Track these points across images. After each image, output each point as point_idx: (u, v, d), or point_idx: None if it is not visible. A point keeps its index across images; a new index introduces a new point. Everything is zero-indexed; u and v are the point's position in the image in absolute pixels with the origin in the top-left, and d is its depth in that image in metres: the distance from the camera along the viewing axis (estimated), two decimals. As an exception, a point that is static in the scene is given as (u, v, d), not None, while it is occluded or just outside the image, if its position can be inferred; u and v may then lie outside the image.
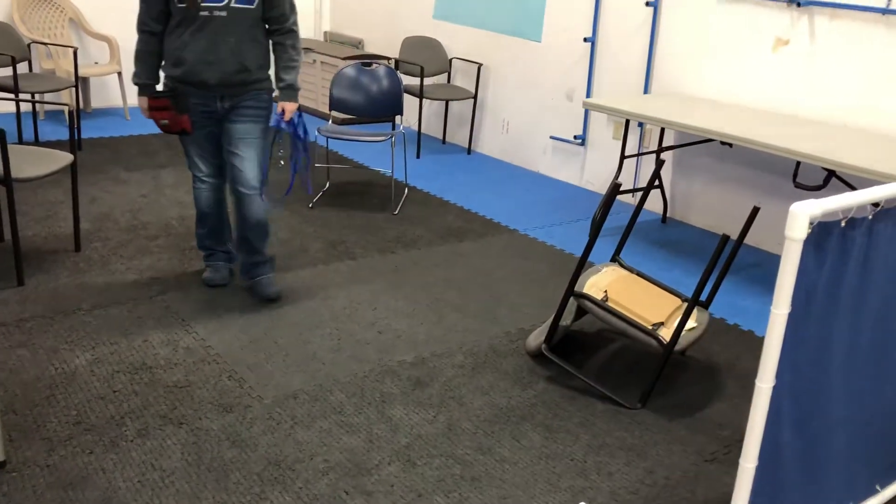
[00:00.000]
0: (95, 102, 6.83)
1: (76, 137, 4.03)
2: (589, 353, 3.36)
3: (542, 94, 5.93)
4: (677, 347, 2.93)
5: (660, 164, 3.23)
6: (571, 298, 3.10)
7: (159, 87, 3.47)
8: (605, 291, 3.06)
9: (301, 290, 3.77)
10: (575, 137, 5.70)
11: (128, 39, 6.72)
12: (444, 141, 6.84)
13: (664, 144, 4.97)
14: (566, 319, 3.16)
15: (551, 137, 5.91)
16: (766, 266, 4.47)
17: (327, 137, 4.94)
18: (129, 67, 6.82)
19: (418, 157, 6.26)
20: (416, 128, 6.90)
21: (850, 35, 4.16)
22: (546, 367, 3.21)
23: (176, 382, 2.94)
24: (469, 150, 6.57)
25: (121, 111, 6.81)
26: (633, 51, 5.21)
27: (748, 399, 2.96)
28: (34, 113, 5.81)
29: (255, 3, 3.29)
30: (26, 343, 3.11)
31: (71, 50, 6.24)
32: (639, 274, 3.29)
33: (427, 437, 2.72)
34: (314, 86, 7.37)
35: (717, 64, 4.77)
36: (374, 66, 5.20)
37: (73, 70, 6.04)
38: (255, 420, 2.74)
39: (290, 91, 3.50)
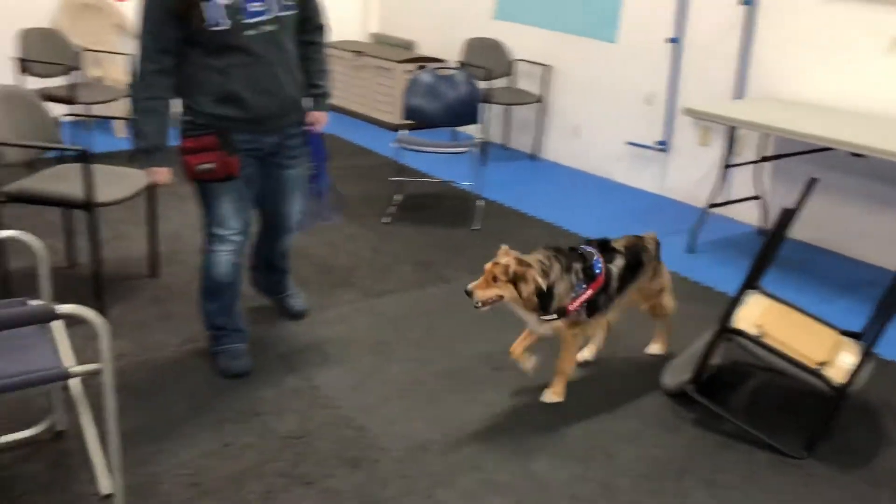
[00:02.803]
0: (142, 110, 6.55)
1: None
2: (733, 392, 3.06)
3: (616, 97, 5.62)
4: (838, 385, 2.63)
5: (812, 182, 2.91)
6: (717, 334, 2.80)
7: (179, 126, 2.77)
8: (760, 326, 2.76)
9: (399, 318, 3.49)
10: (657, 143, 5.39)
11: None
12: (505, 146, 6.55)
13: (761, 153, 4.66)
14: (717, 357, 2.86)
15: (628, 143, 5.60)
16: (884, 284, 4.15)
17: (403, 149, 4.65)
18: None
19: (484, 165, 5.96)
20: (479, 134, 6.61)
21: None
22: (689, 407, 2.91)
23: (291, 433, 2.66)
24: (534, 157, 6.27)
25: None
26: (724, 52, 4.89)
27: (926, 446, 2.66)
28: (84, 123, 5.54)
29: (296, 4, 2.72)
30: (120, 386, 2.83)
31: (119, 57, 5.97)
32: (786, 304, 2.99)
33: (584, 498, 2.42)
34: (365, 90, 7.08)
35: (823, 66, 4.45)
36: (451, 71, 4.91)
37: (120, 78, 5.77)
38: (387, 479, 2.46)
39: (326, 99, 3.01)
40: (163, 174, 2.77)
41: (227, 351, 2.97)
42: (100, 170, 3.48)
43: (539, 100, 6.07)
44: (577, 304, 2.72)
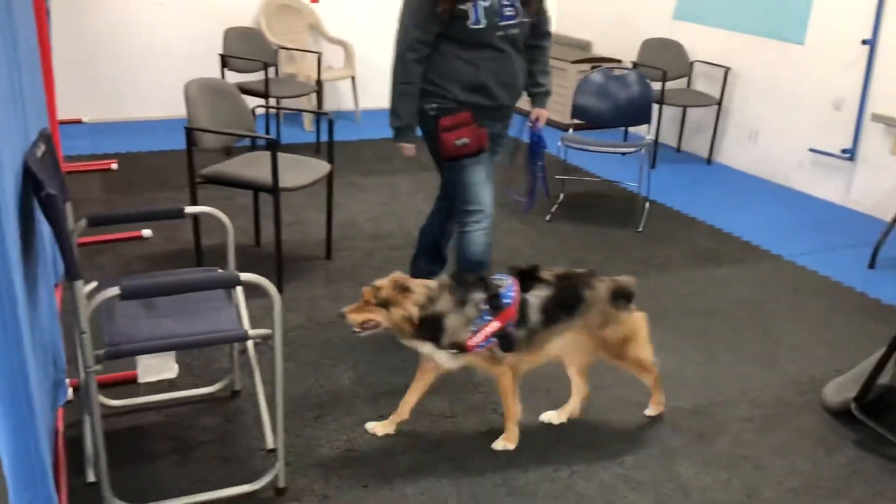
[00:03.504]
0: (328, 105, 6.99)
1: (332, 146, 4.00)
2: (901, 415, 2.87)
3: (800, 101, 5.35)
4: None
5: None
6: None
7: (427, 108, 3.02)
8: (938, 348, 2.57)
9: (553, 313, 3.54)
10: (843, 151, 5.08)
11: (363, 45, 6.88)
12: (678, 149, 6.40)
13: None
14: (885, 376, 2.70)
15: (810, 150, 5.31)
16: None
17: (568, 148, 4.69)
18: (363, 72, 7.01)
19: (653, 166, 5.86)
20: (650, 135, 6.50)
21: None
22: (853, 427, 2.77)
23: (441, 412, 2.79)
24: (709, 161, 6.08)
25: (352, 115, 6.93)
26: (925, 55, 4.53)
27: None
28: (277, 115, 6.01)
29: (532, 10, 3.03)
30: (291, 355, 3.10)
31: (309, 55, 6.41)
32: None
33: (725, 504, 2.39)
34: (539, 89, 7.15)
35: None
36: (623, 71, 4.88)
37: (311, 74, 6.20)
38: (528, 465, 2.53)
39: (547, 97, 3.27)
40: (411, 149, 3.11)
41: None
42: (286, 158, 3.79)
43: (717, 102, 5.88)
44: (478, 338, 2.45)
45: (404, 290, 2.45)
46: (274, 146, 3.45)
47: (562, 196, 5.01)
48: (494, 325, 2.46)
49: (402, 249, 4.17)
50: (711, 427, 2.77)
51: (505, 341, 2.48)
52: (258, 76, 5.72)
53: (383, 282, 2.48)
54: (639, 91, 4.77)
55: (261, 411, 2.50)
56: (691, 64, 6.14)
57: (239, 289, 2.51)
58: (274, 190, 3.49)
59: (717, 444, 2.68)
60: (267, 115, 5.83)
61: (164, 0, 6.24)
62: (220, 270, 2.54)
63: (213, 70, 5.57)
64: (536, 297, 2.51)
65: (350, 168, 5.49)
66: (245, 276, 2.09)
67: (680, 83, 6.18)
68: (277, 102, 5.73)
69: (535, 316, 2.50)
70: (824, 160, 5.24)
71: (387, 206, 4.81)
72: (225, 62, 5.66)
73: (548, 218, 4.71)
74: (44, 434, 1.49)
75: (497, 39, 2.93)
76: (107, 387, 2.76)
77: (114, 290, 1.97)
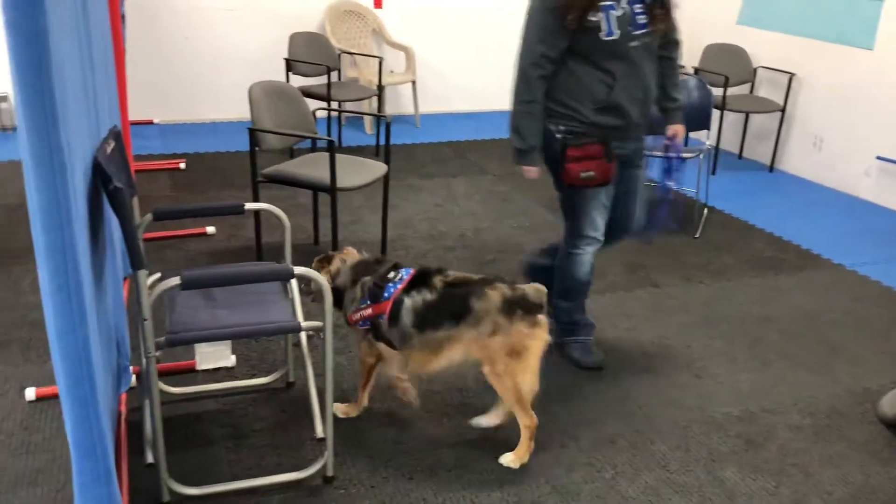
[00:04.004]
0: (388, 109, 7.10)
1: (388, 148, 4.08)
2: (962, 429, 2.79)
3: (868, 108, 5.22)
4: None
5: None
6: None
7: (552, 132, 2.85)
8: None
9: (603, 317, 3.54)
10: (911, 160, 4.95)
11: (424, 50, 6.98)
12: (740, 156, 6.30)
13: None
14: (943, 389, 2.64)
15: (878, 158, 5.18)
16: None
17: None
18: (423, 77, 7.12)
19: (713, 173, 5.79)
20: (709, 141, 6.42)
21: None
22: (908, 440, 2.71)
23: (488, 409, 2.83)
24: (771, 168, 5.98)
25: (411, 118, 7.02)
26: None
27: None
28: (339, 118, 6.13)
29: (663, 17, 2.76)
30: (343, 350, 3.18)
31: (371, 59, 6.53)
32: None
33: (771, 511, 2.37)
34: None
35: None
36: (683, 77, 4.84)
37: (372, 79, 6.31)
38: (573, 464, 2.55)
39: (681, 112, 3.01)
40: (534, 172, 2.92)
41: (581, 344, 3.13)
42: (344, 159, 3.89)
43: (781, 109, 5.78)
44: (355, 317, 2.55)
45: (327, 260, 2.67)
46: (332, 147, 3.54)
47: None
48: (367, 311, 2.54)
49: (455, 250, 4.22)
50: (761, 434, 2.74)
51: (375, 330, 2.55)
52: (321, 80, 5.86)
53: (326, 256, 2.71)
54: (698, 96, 4.72)
55: (312, 402, 2.58)
56: (755, 70, 6.04)
57: (294, 283, 2.60)
58: (331, 189, 3.58)
59: (766, 450, 2.65)
60: (329, 118, 5.98)
61: (234, 6, 6.45)
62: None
63: (278, 74, 5.73)
64: (412, 300, 2.45)
65: (408, 170, 5.58)
66: (299, 270, 2.17)
67: (743, 89, 6.09)
68: (339, 106, 5.85)
69: (407, 317, 2.45)
70: (892, 168, 5.10)
71: (442, 208, 4.87)
72: (290, 66, 5.81)
73: (603, 222, 4.70)
74: (105, 412, 1.58)
75: (632, 51, 2.69)
76: (167, 375, 2.88)
77: (175, 280, 2.07)
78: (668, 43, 2.87)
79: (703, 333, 3.42)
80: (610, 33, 2.64)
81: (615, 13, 2.64)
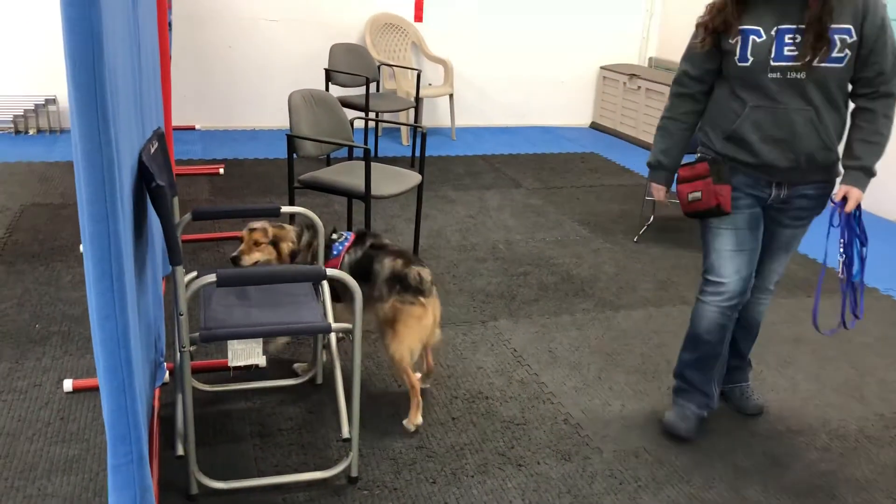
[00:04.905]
0: (425, 121, 7.18)
1: (423, 158, 4.14)
2: None
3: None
4: None
5: None
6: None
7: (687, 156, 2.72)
8: None
9: (632, 332, 3.55)
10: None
11: (462, 63, 7.06)
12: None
13: None
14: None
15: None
16: None
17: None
18: (460, 90, 7.20)
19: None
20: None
21: None
22: (938, 466, 2.67)
23: (512, 418, 2.85)
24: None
25: (448, 131, 7.09)
26: None
27: None
28: (376, 129, 6.22)
29: (845, 61, 2.37)
30: (371, 355, 3.22)
31: (410, 71, 6.62)
32: None
33: (795, 531, 2.35)
34: (636, 112, 7.15)
35: None
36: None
37: (410, 91, 6.39)
38: (595, 475, 2.56)
39: (861, 174, 2.46)
40: (660, 191, 2.79)
41: (680, 407, 2.81)
42: (379, 167, 3.95)
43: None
44: None
45: (281, 227, 2.87)
46: (368, 155, 3.60)
47: (651, 218, 4.99)
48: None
49: (486, 262, 4.26)
50: (787, 454, 2.72)
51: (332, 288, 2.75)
52: (360, 90, 5.95)
53: (261, 224, 2.84)
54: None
55: (339, 404, 2.62)
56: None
57: (326, 286, 2.66)
58: (366, 197, 3.64)
59: (792, 471, 2.63)
60: (366, 128, 6.07)
61: (277, 17, 6.58)
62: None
63: (318, 84, 5.82)
64: (349, 257, 2.83)
65: (442, 181, 5.63)
66: (331, 272, 2.22)
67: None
68: (377, 116, 5.94)
69: (346, 271, 2.73)
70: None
71: (474, 220, 4.91)
72: (329, 76, 5.91)
73: (635, 239, 4.71)
74: (141, 398, 1.64)
75: (769, 82, 2.40)
76: (200, 373, 2.95)
77: (211, 277, 2.13)
78: (866, 92, 2.44)
79: (732, 352, 3.40)
80: (743, 59, 2.42)
81: (756, 38, 2.40)
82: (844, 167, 2.50)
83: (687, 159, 2.72)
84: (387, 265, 2.72)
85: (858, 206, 2.51)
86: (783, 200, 2.56)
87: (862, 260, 2.60)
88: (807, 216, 2.63)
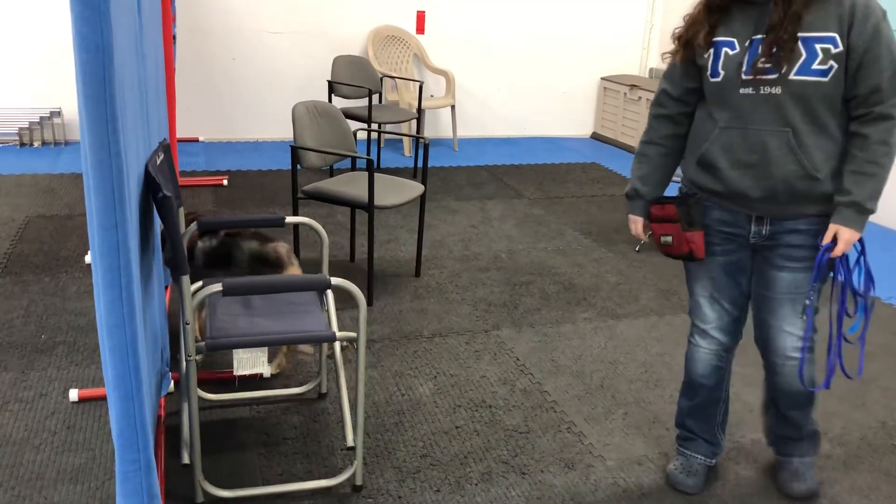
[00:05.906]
0: (427, 132, 7.22)
1: (426, 169, 4.16)
2: None
3: None
4: None
5: None
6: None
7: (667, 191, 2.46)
8: None
9: (634, 341, 3.57)
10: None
11: (464, 75, 7.11)
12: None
13: None
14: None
15: (918, 192, 5.12)
16: None
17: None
18: (462, 101, 7.24)
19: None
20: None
21: None
22: (941, 474, 2.68)
23: (515, 426, 2.87)
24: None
25: (450, 142, 7.13)
26: None
27: None
28: (378, 140, 6.25)
29: (830, 74, 2.04)
30: (376, 364, 3.24)
31: (412, 83, 6.66)
32: None
33: (798, 538, 2.36)
34: (636, 123, 7.18)
35: None
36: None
37: (412, 102, 6.43)
38: (598, 484, 2.57)
39: (852, 212, 2.10)
40: (635, 224, 2.48)
41: (686, 458, 2.60)
42: (382, 178, 3.98)
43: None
44: None
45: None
46: (371, 165, 3.63)
47: (653, 228, 5.00)
48: None
49: (488, 271, 4.28)
50: (789, 462, 2.73)
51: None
52: (363, 102, 5.99)
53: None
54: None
55: (344, 413, 2.64)
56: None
57: (330, 296, 2.68)
58: (369, 207, 3.67)
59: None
60: (368, 140, 6.10)
61: (280, 30, 6.63)
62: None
63: (321, 95, 5.87)
64: (203, 244, 2.93)
65: (444, 192, 5.66)
66: (335, 281, 2.24)
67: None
68: (379, 127, 5.97)
69: (199, 260, 2.91)
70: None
71: (476, 230, 4.93)
72: (332, 88, 5.95)
73: (637, 248, 4.72)
74: (148, 406, 1.66)
75: (741, 99, 2.13)
76: (206, 383, 2.96)
77: (216, 286, 2.15)
78: (859, 113, 2.09)
79: (734, 360, 3.41)
80: (715, 73, 2.16)
81: (729, 50, 2.14)
82: (835, 203, 2.12)
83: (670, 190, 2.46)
84: (245, 247, 2.93)
85: (860, 247, 2.21)
86: (769, 237, 2.24)
87: (865, 308, 2.26)
88: (804, 256, 2.21)
